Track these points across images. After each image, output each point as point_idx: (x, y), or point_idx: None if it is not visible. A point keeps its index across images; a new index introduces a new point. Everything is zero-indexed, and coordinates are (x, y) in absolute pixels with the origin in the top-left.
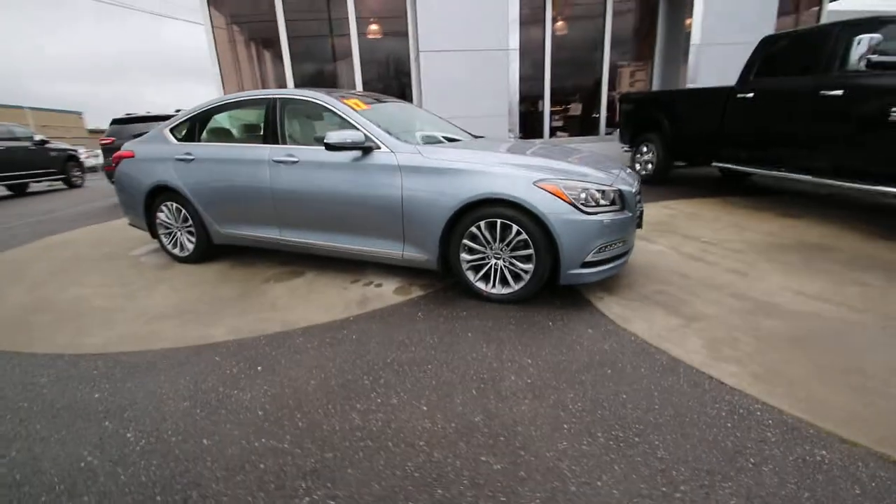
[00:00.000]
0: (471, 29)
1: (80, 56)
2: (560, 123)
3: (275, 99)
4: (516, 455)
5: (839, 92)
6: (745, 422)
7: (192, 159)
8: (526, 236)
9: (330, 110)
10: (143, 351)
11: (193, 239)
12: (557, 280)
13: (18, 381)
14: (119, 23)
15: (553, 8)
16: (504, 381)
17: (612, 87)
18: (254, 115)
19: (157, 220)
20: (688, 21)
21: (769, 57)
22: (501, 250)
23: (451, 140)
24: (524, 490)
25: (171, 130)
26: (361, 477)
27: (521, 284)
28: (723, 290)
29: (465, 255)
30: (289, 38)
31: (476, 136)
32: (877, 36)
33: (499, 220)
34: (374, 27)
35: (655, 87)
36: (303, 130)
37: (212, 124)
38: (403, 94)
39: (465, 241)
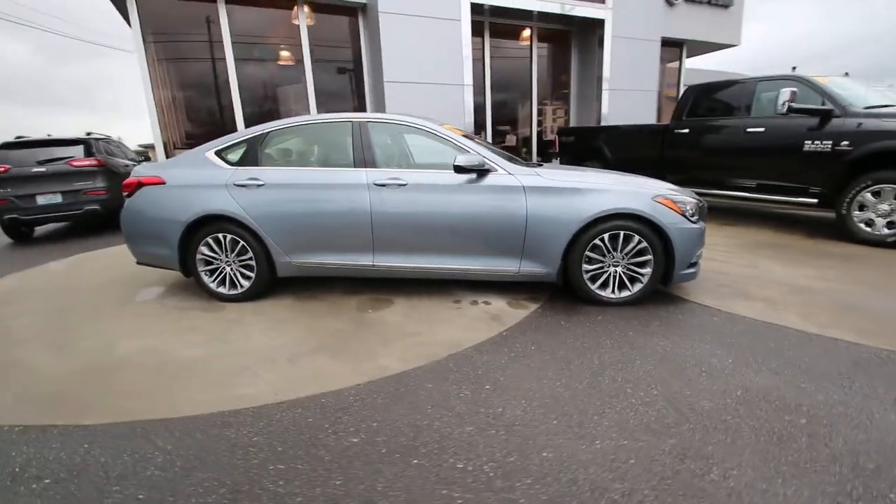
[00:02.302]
0: (430, 63)
1: None
2: None
3: (360, 122)
4: (798, 407)
5: (762, 129)
6: (887, 359)
7: (262, 185)
8: (646, 244)
9: (434, 135)
10: (335, 391)
11: (252, 273)
12: (669, 281)
13: (228, 445)
14: None
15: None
16: (713, 362)
17: (539, 122)
18: (330, 139)
19: (199, 256)
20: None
21: (696, 102)
22: (622, 258)
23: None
24: (835, 412)
25: (219, 154)
26: (729, 440)
27: (639, 287)
28: (760, 280)
29: (585, 266)
30: (235, 60)
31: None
32: (795, 89)
33: (622, 232)
34: (327, 55)
35: (573, 123)
36: (392, 154)
37: (275, 147)
38: None
39: (587, 253)
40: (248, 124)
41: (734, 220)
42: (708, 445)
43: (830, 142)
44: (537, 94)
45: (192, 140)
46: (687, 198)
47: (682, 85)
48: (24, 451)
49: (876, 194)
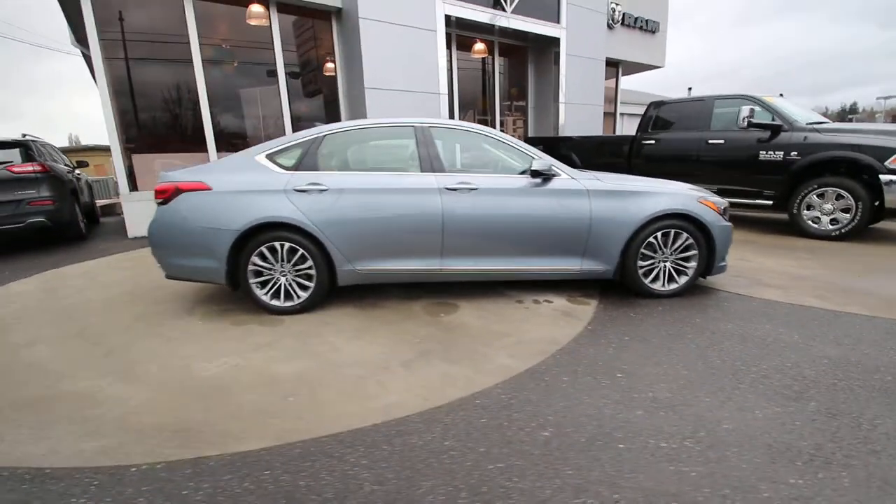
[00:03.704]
0: (409, 71)
1: None
2: None
3: (423, 127)
4: (878, 368)
5: (721, 141)
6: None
7: (325, 190)
8: (692, 241)
9: (498, 141)
10: (480, 392)
11: (311, 283)
12: (709, 273)
13: (427, 452)
14: None
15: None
16: (784, 339)
17: (501, 131)
18: (391, 143)
19: (251, 267)
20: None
21: (658, 117)
22: (671, 254)
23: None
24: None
25: (270, 158)
26: (853, 398)
27: (685, 280)
28: (760, 271)
29: (640, 262)
30: (203, 62)
31: None
32: (752, 107)
33: (672, 230)
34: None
35: (531, 133)
36: (455, 159)
37: (332, 151)
38: None
39: (642, 250)
40: (216, 130)
41: None
42: (841, 404)
43: (782, 152)
44: (499, 104)
45: (139, 143)
46: (720, 199)
47: (619, 102)
48: (198, 487)
49: (820, 196)
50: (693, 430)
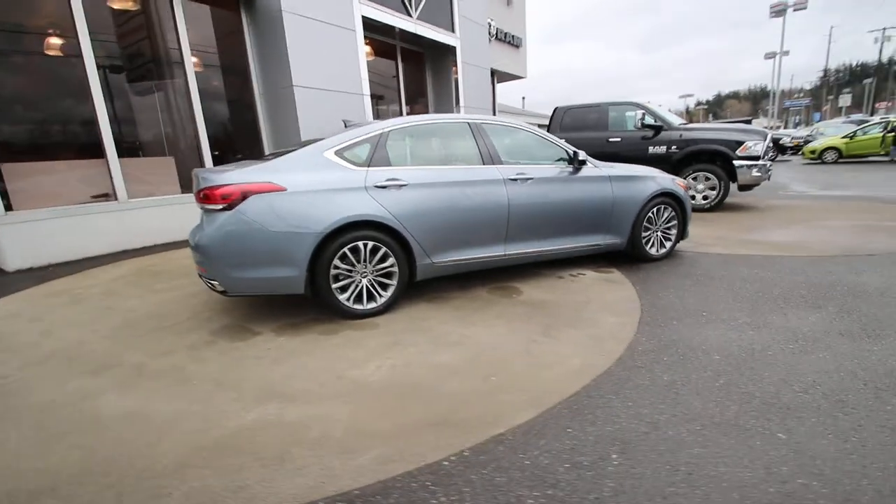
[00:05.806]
0: (333, 71)
1: None
2: None
3: (476, 123)
4: (837, 283)
5: (619, 139)
6: (810, 261)
7: (404, 185)
8: (674, 213)
9: (536, 136)
10: (631, 344)
11: (391, 281)
12: (682, 239)
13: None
14: None
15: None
16: (762, 275)
17: None
18: (450, 138)
19: (332, 271)
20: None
21: (564, 119)
22: (660, 225)
23: None
24: (850, 279)
25: (339, 154)
26: (843, 297)
27: (670, 245)
28: (691, 237)
29: (643, 234)
30: (95, 56)
31: None
32: (642, 112)
33: (663, 206)
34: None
35: None
36: (506, 152)
37: (396, 146)
38: (254, 128)
39: (644, 224)
40: (116, 132)
41: None
42: (843, 305)
43: (665, 147)
44: (405, 107)
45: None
46: (683, 179)
47: (496, 107)
48: (527, 457)
49: (694, 179)
50: (794, 335)
